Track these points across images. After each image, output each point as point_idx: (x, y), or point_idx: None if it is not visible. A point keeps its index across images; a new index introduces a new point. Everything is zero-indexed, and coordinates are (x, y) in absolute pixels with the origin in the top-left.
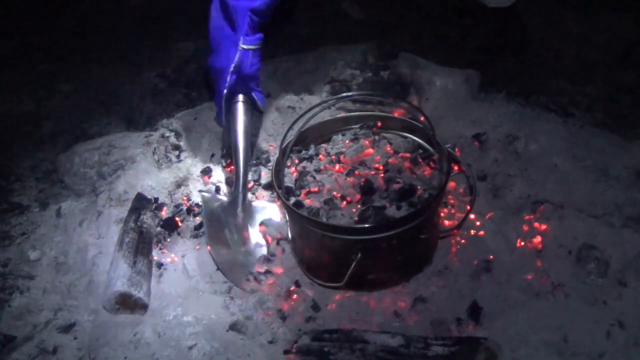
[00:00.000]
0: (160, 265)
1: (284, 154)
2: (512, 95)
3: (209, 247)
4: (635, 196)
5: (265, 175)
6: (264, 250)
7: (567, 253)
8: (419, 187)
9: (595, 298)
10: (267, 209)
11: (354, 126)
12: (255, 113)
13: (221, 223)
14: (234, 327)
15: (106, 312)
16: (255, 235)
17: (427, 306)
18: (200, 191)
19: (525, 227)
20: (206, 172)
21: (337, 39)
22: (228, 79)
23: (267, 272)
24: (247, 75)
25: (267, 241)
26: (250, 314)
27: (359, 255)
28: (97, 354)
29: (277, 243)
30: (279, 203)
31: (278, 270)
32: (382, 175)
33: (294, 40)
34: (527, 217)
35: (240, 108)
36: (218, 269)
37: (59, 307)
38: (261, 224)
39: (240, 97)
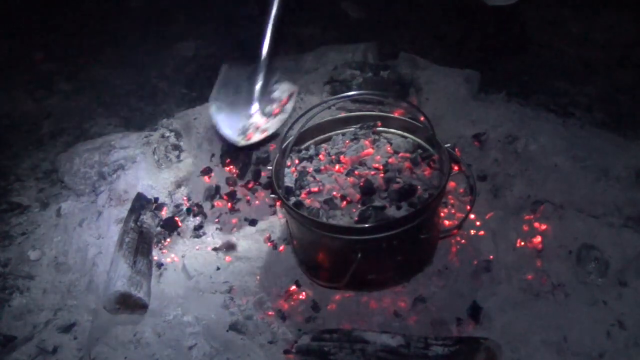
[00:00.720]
0: (160, 265)
1: (284, 154)
2: (512, 95)
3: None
4: (635, 196)
5: (265, 175)
6: (268, 110)
7: (567, 253)
8: (419, 187)
9: (595, 298)
10: (284, 77)
11: (354, 126)
12: None
13: (234, 84)
14: (234, 327)
15: (106, 312)
16: (267, 96)
17: (427, 306)
18: (223, 61)
19: (525, 227)
20: (206, 172)
21: (337, 39)
22: None
23: (263, 130)
24: None
25: (278, 101)
26: (250, 314)
27: (359, 255)
28: (97, 354)
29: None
30: (279, 203)
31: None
32: (382, 175)
33: (294, 40)
34: (527, 217)
35: None
36: (215, 123)
37: (59, 307)
38: (275, 85)
39: None
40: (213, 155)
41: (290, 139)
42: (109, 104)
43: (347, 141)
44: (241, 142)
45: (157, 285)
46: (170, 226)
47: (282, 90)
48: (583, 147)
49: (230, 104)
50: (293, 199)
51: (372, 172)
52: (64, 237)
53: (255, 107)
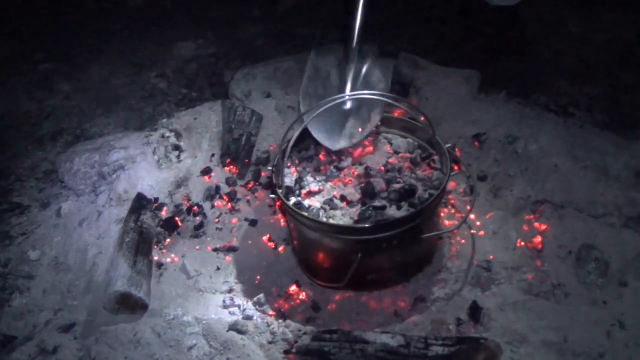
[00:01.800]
0: (160, 265)
1: (284, 154)
2: (512, 95)
3: (300, 104)
4: (635, 196)
5: (265, 175)
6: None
7: (567, 253)
8: (419, 187)
9: (595, 298)
10: (377, 66)
11: None
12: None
13: (325, 78)
14: (234, 327)
15: (106, 312)
16: (363, 88)
17: (427, 306)
18: (311, 49)
19: (525, 227)
20: (206, 172)
21: (337, 39)
22: None
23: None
24: None
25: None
26: (250, 314)
27: (359, 255)
28: (97, 354)
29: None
30: (278, 203)
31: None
32: (383, 175)
33: (294, 40)
34: (527, 217)
35: None
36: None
37: (59, 307)
38: (366, 79)
39: None
40: (213, 155)
41: (291, 139)
42: (109, 104)
43: None
44: (334, 149)
45: (157, 285)
46: (170, 226)
47: (378, 80)
48: (583, 147)
49: (320, 98)
50: (293, 199)
51: (372, 173)
52: (64, 237)
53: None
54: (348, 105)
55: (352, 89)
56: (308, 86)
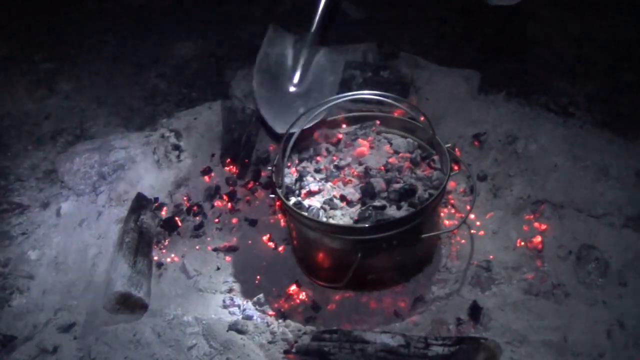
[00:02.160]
0: (160, 265)
1: (284, 154)
2: (512, 95)
3: (253, 83)
4: (635, 196)
5: (265, 175)
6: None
7: (567, 253)
8: (419, 187)
9: (595, 298)
10: (330, 58)
11: (354, 126)
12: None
13: (280, 58)
14: (234, 327)
15: (106, 312)
16: (313, 75)
17: (427, 306)
18: (271, 24)
19: (525, 227)
20: (206, 172)
21: (337, 39)
22: None
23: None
24: None
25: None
26: (250, 314)
27: (359, 255)
28: (97, 354)
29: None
30: (278, 203)
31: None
32: (383, 175)
33: None
34: (527, 217)
35: None
36: (257, 107)
37: (59, 307)
38: (321, 65)
39: None
40: (213, 155)
41: (291, 139)
42: (109, 104)
43: (347, 141)
44: (281, 132)
45: (157, 285)
46: (170, 226)
47: (331, 72)
48: (583, 147)
49: (272, 80)
50: (293, 199)
51: (372, 173)
52: (64, 237)
53: (298, 88)
54: (299, 89)
55: (302, 75)
56: (262, 62)
